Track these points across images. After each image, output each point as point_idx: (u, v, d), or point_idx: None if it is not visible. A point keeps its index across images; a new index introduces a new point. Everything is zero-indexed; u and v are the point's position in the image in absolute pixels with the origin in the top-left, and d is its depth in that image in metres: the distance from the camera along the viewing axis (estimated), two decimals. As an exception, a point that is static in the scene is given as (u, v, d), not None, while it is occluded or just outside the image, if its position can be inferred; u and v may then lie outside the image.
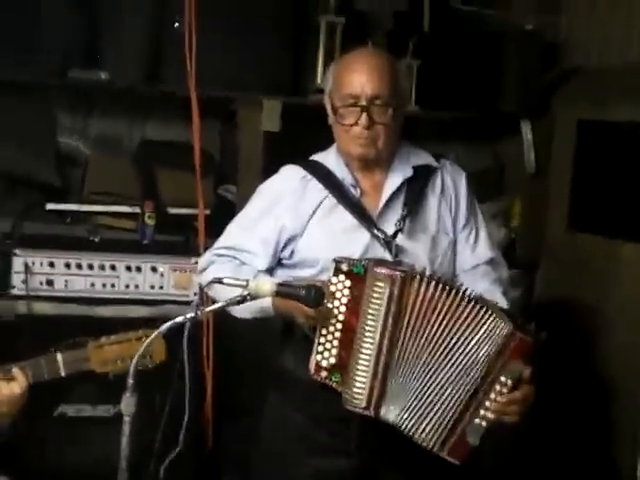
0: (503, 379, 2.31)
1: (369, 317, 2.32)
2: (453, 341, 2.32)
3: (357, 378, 2.33)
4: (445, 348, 2.33)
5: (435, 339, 2.32)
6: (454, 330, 2.32)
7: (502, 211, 4.38)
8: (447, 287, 2.32)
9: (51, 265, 3.46)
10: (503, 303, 2.50)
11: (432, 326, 2.32)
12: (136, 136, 4.10)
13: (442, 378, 2.33)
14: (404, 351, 2.33)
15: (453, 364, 2.32)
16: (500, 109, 4.13)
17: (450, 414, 2.32)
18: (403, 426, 2.33)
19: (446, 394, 2.32)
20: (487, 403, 2.31)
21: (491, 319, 2.31)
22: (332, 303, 2.33)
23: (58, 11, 3.58)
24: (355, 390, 2.33)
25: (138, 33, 3.68)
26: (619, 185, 3.84)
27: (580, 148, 4.06)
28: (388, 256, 2.45)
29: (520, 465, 3.90)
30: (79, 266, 3.49)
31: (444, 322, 2.32)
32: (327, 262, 2.40)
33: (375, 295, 2.31)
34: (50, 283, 3.46)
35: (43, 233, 3.68)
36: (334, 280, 2.34)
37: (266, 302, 2.40)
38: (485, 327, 2.31)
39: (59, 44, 3.59)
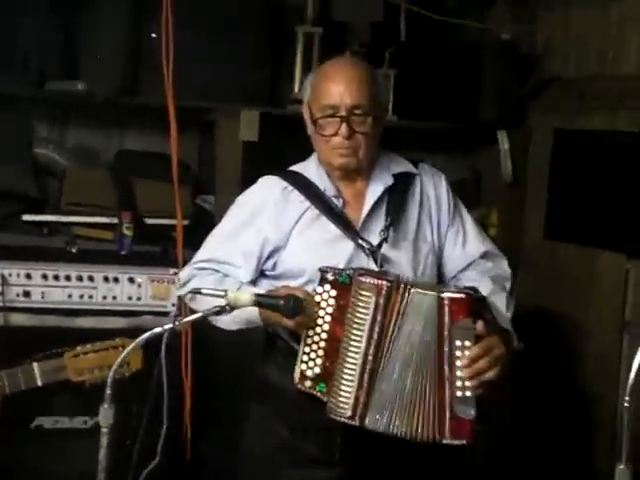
0: (459, 343, 2.29)
1: (355, 326, 2.32)
2: (407, 334, 2.31)
3: (342, 387, 2.32)
4: (404, 344, 2.32)
5: (401, 340, 2.32)
6: (407, 323, 2.31)
7: (479, 221, 4.38)
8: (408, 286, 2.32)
9: (28, 276, 3.45)
10: (486, 290, 2.47)
11: (401, 328, 2.32)
12: (113, 147, 4.10)
13: (412, 373, 2.31)
14: (388, 359, 2.32)
15: (412, 355, 2.31)
16: (477, 119, 4.15)
17: (431, 400, 2.31)
18: (397, 433, 2.32)
19: (420, 385, 2.31)
20: (458, 373, 2.30)
21: (418, 297, 2.30)
22: (317, 313, 2.33)
23: (35, 22, 3.58)
24: (340, 399, 2.32)
25: (115, 44, 3.68)
26: (595, 194, 3.86)
27: (556, 157, 4.08)
28: (373, 266, 2.45)
29: (499, 472, 3.90)
30: (56, 277, 3.48)
31: (405, 320, 2.31)
32: (313, 273, 2.40)
33: (361, 304, 2.31)
34: (27, 294, 3.44)
35: (20, 244, 3.67)
36: (319, 290, 2.34)
37: (253, 313, 2.39)
38: (417, 306, 2.30)
39: (36, 55, 3.59)
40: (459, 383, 2.30)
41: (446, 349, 2.30)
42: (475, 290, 2.40)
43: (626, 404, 2.00)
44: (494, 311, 2.47)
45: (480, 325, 2.31)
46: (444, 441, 2.31)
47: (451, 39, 4.29)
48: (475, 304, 2.34)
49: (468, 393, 2.30)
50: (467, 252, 2.60)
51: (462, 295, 2.30)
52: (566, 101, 4.03)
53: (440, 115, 4.09)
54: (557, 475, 3.87)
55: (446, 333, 2.30)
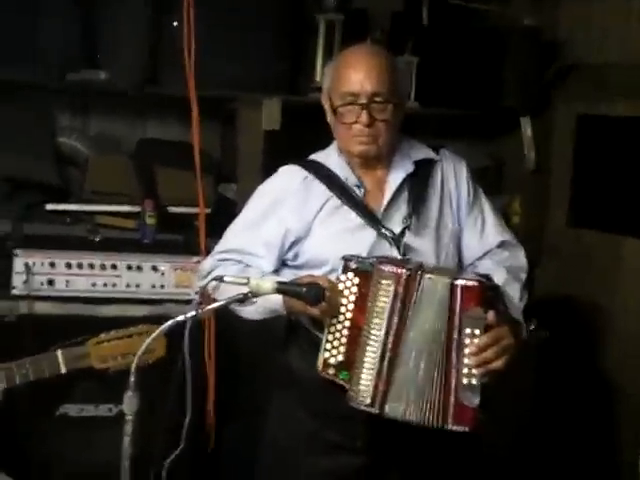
0: (468, 331, 2.29)
1: (375, 315, 2.32)
2: (421, 321, 2.31)
3: (362, 376, 2.33)
4: (418, 332, 2.31)
5: (416, 328, 2.32)
6: (421, 310, 2.31)
7: (502, 208, 4.37)
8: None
9: (52, 265, 3.46)
10: (500, 279, 2.47)
11: (417, 316, 2.31)
12: (135, 136, 4.10)
13: (424, 360, 2.31)
14: (405, 347, 2.32)
15: (425, 342, 2.31)
16: (500, 106, 4.13)
17: (438, 386, 2.31)
18: (411, 420, 2.32)
19: (430, 371, 2.31)
20: (466, 360, 2.30)
21: (430, 283, 2.30)
22: (340, 301, 2.33)
23: (56, 12, 3.58)
24: (360, 387, 2.33)
25: (137, 33, 3.68)
26: (619, 180, 3.84)
27: (580, 144, 4.06)
28: (396, 254, 2.45)
29: (523, 462, 3.89)
30: (80, 266, 3.49)
31: (419, 307, 2.31)
32: (337, 262, 2.40)
33: (381, 293, 2.31)
34: (51, 283, 3.45)
35: (43, 233, 3.68)
36: (343, 278, 2.34)
37: (277, 302, 2.40)
38: (429, 293, 2.30)
39: (58, 45, 3.59)
40: (465, 370, 2.30)
41: (455, 336, 2.30)
42: (489, 278, 2.40)
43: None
44: (507, 301, 2.46)
45: (491, 315, 2.31)
46: (447, 427, 2.32)
47: (473, 25, 4.27)
48: (487, 293, 2.34)
49: (474, 381, 2.30)
50: (485, 240, 2.59)
51: (475, 283, 2.30)
52: (589, 88, 4.01)
53: (462, 102, 4.07)
54: (581, 464, 3.86)
55: (456, 320, 2.30)
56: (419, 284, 2.31)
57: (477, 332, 2.29)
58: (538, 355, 3.96)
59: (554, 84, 4.18)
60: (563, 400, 4.00)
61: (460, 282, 2.29)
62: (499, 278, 2.48)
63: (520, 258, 2.61)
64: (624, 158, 3.83)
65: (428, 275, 2.31)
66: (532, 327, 3.80)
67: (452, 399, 2.30)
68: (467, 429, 2.31)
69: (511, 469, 3.82)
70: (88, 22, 3.66)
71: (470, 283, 2.29)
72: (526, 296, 2.52)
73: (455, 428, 2.31)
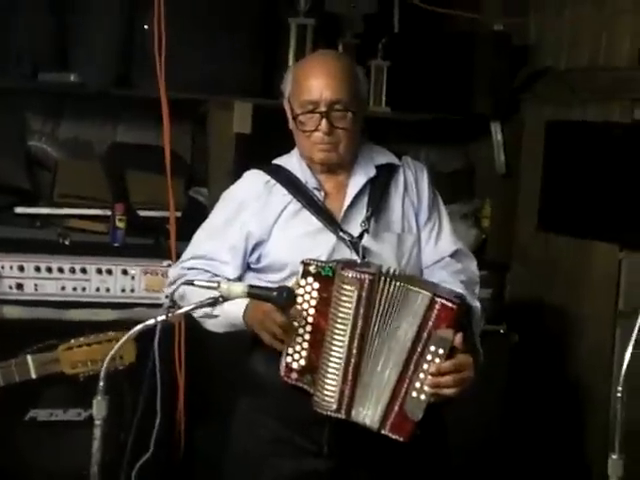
0: (433, 349, 2.29)
1: (339, 320, 2.31)
2: (393, 328, 2.32)
3: (327, 381, 2.33)
4: (388, 338, 2.32)
5: (385, 333, 2.32)
6: (394, 317, 2.31)
7: (473, 212, 4.40)
8: (396, 280, 2.32)
9: (21, 269, 3.44)
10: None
11: (387, 322, 2.32)
12: (106, 139, 4.09)
13: (391, 366, 2.32)
14: (370, 352, 2.33)
15: (394, 349, 2.31)
16: (470, 110, 4.15)
17: (387, 392, 2.32)
18: (373, 427, 2.34)
19: (391, 376, 2.32)
20: (421, 375, 2.30)
21: (411, 293, 2.30)
22: (300, 305, 2.33)
23: (27, 15, 3.57)
24: (326, 393, 2.33)
25: (108, 35, 3.67)
26: (589, 185, 3.87)
27: (549, 149, 4.08)
28: (355, 257, 2.45)
29: (492, 464, 3.91)
30: (49, 269, 3.47)
31: (391, 313, 2.32)
32: (295, 266, 2.39)
33: (344, 299, 2.31)
34: (20, 287, 3.43)
35: (12, 237, 3.65)
36: (302, 282, 2.33)
37: (237, 318, 2.40)
38: (408, 302, 2.30)
39: (29, 47, 3.58)
40: (417, 384, 2.30)
41: (419, 349, 2.30)
42: (463, 299, 2.40)
43: (619, 394, 2.01)
44: (473, 326, 2.47)
45: (459, 338, 2.31)
46: (382, 431, 2.32)
47: (444, 30, 4.29)
48: (461, 317, 2.34)
49: (422, 397, 2.30)
50: (439, 248, 2.59)
51: (454, 306, 2.29)
52: (559, 92, 4.03)
53: (433, 106, 4.09)
54: (551, 465, 3.89)
55: (425, 335, 2.30)
56: (394, 291, 2.31)
57: (440, 352, 2.29)
58: (509, 358, 3.98)
59: (524, 89, 4.20)
60: (533, 403, 4.02)
61: (440, 300, 2.29)
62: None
63: (472, 269, 2.61)
64: (594, 163, 3.86)
65: (406, 284, 2.31)
66: (502, 331, 3.84)
67: (396, 407, 2.31)
68: (401, 439, 2.32)
69: (480, 470, 3.83)
70: (59, 24, 3.65)
71: (449, 304, 2.29)
72: (483, 318, 2.53)
73: (390, 435, 2.32)
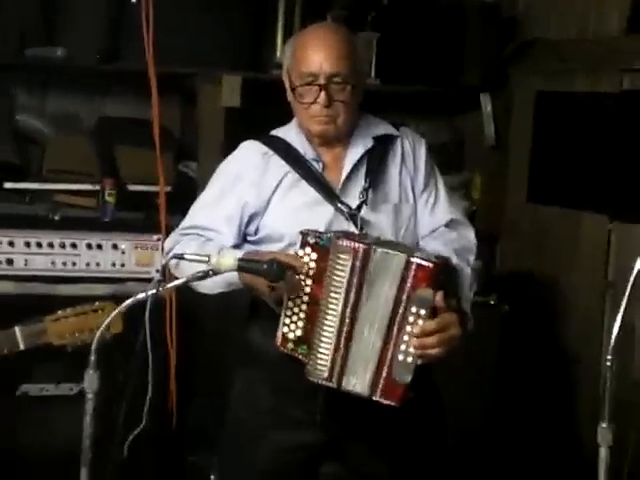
0: (414, 310, 2.30)
1: (332, 289, 2.33)
2: (377, 294, 2.32)
3: (320, 350, 2.34)
4: (374, 304, 2.32)
5: (372, 301, 2.33)
6: (378, 284, 2.32)
7: (462, 184, 4.40)
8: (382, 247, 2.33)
9: (11, 244, 3.44)
10: (452, 260, 2.48)
11: (374, 289, 2.32)
12: (95, 113, 4.07)
13: (375, 333, 2.32)
14: (361, 321, 2.34)
15: (378, 315, 2.32)
16: (460, 82, 4.14)
17: (373, 357, 2.33)
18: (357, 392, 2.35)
19: (376, 343, 2.32)
20: (405, 337, 2.30)
21: (389, 257, 2.31)
22: (298, 275, 2.33)
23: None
24: (318, 362, 2.34)
25: (95, 9, 3.65)
26: (578, 156, 3.87)
27: (539, 120, 4.08)
28: (353, 229, 2.45)
29: (483, 432, 3.94)
30: (39, 245, 3.47)
31: (377, 280, 2.32)
32: (293, 237, 2.40)
33: (338, 267, 2.32)
34: (10, 262, 3.43)
35: (2, 212, 3.65)
36: (300, 252, 2.34)
37: (233, 276, 2.39)
38: (388, 266, 2.31)
39: (16, 22, 3.55)
40: (403, 347, 2.31)
41: (400, 311, 2.30)
42: (446, 261, 2.40)
43: (608, 363, 2.02)
44: (459, 290, 2.47)
45: (439, 296, 2.30)
46: (374, 398, 2.33)
47: (433, 2, 4.27)
48: (440, 275, 2.33)
49: (409, 359, 2.31)
50: (434, 218, 2.59)
51: (429, 264, 2.29)
52: (548, 63, 4.03)
53: (423, 78, 4.08)
54: (541, 435, 3.91)
55: (404, 296, 2.30)
56: (375, 257, 2.32)
57: (422, 312, 2.30)
58: (500, 329, 4.00)
59: (513, 60, 4.19)
60: (524, 372, 4.04)
61: (416, 260, 2.29)
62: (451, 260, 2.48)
63: (469, 238, 2.61)
64: (583, 134, 3.86)
65: (384, 249, 2.31)
66: (492, 302, 3.85)
67: (384, 373, 2.32)
68: (394, 404, 2.32)
69: (474, 440, 3.86)
70: (46, -1, 3.62)
71: (425, 263, 2.29)
72: (475, 284, 2.53)
73: (382, 401, 2.33)
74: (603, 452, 2.04)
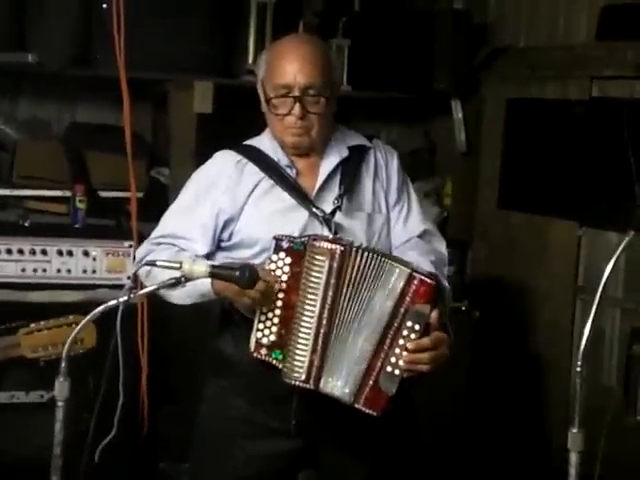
0: (409, 324, 2.32)
1: (309, 290, 2.33)
2: (366, 300, 2.34)
3: (297, 351, 2.34)
4: (361, 309, 2.34)
5: (358, 305, 2.34)
6: (367, 289, 2.33)
7: (434, 190, 4.42)
8: (370, 253, 2.34)
9: (-20, 251, 3.42)
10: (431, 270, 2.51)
11: (359, 293, 2.34)
12: (66, 119, 4.06)
13: (363, 338, 2.33)
14: (341, 323, 2.34)
15: (367, 321, 2.33)
16: (431, 88, 4.16)
17: (362, 365, 2.33)
18: (337, 396, 2.35)
19: (365, 348, 2.33)
20: (397, 350, 2.32)
21: (388, 267, 2.33)
22: (272, 281, 2.33)
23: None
24: (295, 363, 2.34)
25: (66, 15, 3.63)
26: (548, 163, 3.90)
27: (509, 127, 4.11)
28: (327, 233, 2.46)
29: (456, 437, 3.95)
30: (9, 251, 3.45)
31: (364, 285, 2.33)
32: (266, 242, 2.40)
33: (315, 269, 2.32)
34: (-20, 269, 3.41)
35: (-28, 219, 3.63)
36: (274, 258, 2.34)
37: (206, 286, 2.39)
38: (385, 276, 2.33)
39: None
40: (393, 359, 2.32)
41: (395, 324, 2.32)
42: (438, 278, 2.42)
43: (578, 369, 2.04)
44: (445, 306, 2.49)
45: (435, 315, 2.33)
46: (356, 405, 2.34)
47: (405, 9, 4.29)
48: (437, 293, 2.36)
49: (397, 372, 2.33)
50: (407, 229, 2.61)
51: (432, 282, 2.32)
52: (518, 70, 4.05)
53: (394, 85, 4.10)
54: (513, 439, 3.93)
55: (402, 310, 2.32)
56: (368, 263, 2.32)
57: (417, 327, 2.31)
58: (472, 335, 4.01)
59: (484, 67, 4.21)
60: (496, 377, 4.06)
61: (419, 276, 2.32)
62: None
63: (441, 249, 2.63)
64: (553, 141, 3.89)
65: (386, 259, 2.33)
66: (464, 308, 3.87)
67: (371, 382, 2.33)
68: (375, 414, 2.33)
69: (446, 444, 3.87)
70: (16, 3, 3.60)
71: (428, 280, 2.32)
72: (451, 296, 2.55)
73: (363, 409, 2.34)
74: (574, 457, 2.05)
